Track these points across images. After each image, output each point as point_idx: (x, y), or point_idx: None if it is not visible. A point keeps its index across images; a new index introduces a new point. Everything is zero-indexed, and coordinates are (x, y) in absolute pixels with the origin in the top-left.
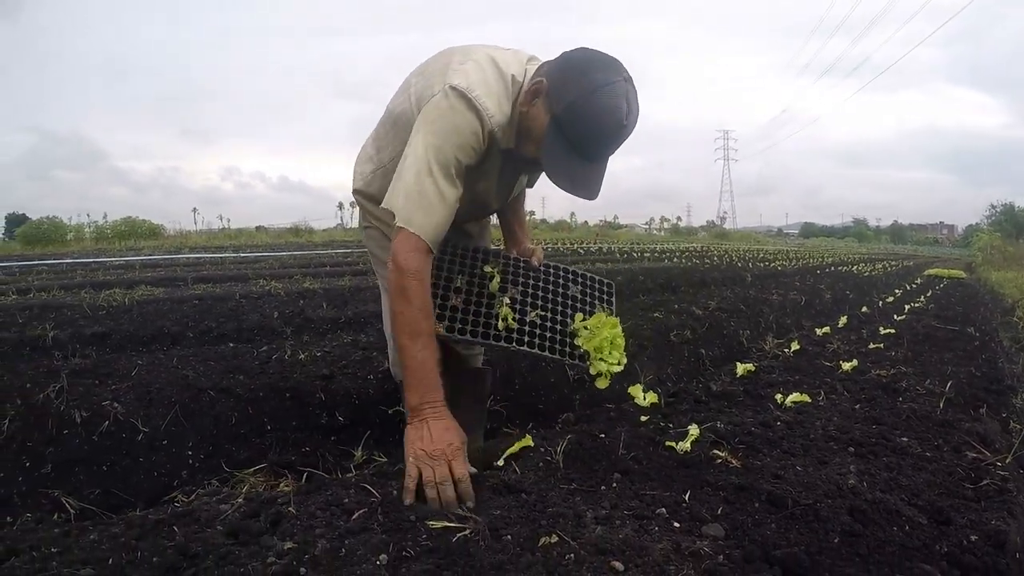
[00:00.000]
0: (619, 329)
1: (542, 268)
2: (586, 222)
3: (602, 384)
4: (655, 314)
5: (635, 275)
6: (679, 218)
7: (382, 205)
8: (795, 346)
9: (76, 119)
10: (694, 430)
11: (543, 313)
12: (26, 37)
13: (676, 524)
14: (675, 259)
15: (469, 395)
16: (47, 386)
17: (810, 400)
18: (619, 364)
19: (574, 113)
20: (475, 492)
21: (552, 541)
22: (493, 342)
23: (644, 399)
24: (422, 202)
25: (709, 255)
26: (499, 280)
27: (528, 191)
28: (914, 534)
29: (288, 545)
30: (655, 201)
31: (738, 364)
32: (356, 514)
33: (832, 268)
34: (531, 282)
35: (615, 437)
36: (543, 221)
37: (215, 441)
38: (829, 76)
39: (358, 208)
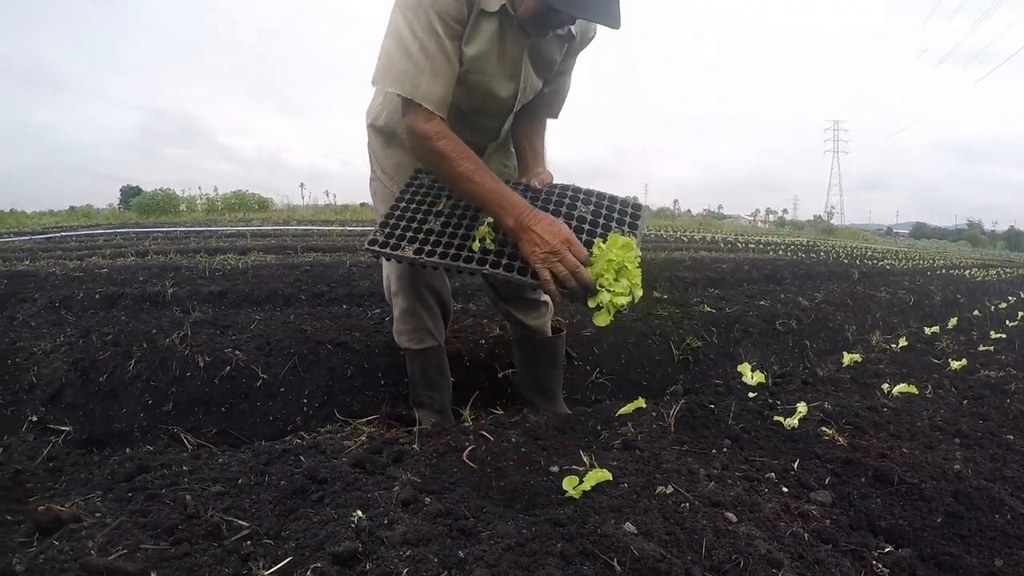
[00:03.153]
0: (633, 252)
1: (544, 188)
2: (689, 211)
3: (601, 320)
4: (761, 302)
5: (740, 264)
6: (785, 211)
7: (371, 82)
8: (903, 342)
9: (180, 97)
10: (802, 407)
11: None
12: (123, 19)
13: (784, 488)
14: (780, 251)
15: (544, 363)
16: (171, 333)
17: (916, 392)
18: (627, 294)
19: None
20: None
21: (668, 491)
22: (463, 264)
23: (751, 378)
24: (412, 64)
25: (815, 250)
26: None
27: (552, 122)
28: (1016, 523)
29: (412, 477)
30: (760, 191)
31: (845, 354)
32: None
33: (943, 271)
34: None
35: (724, 408)
36: (646, 208)
37: (330, 391)
38: (948, 63)
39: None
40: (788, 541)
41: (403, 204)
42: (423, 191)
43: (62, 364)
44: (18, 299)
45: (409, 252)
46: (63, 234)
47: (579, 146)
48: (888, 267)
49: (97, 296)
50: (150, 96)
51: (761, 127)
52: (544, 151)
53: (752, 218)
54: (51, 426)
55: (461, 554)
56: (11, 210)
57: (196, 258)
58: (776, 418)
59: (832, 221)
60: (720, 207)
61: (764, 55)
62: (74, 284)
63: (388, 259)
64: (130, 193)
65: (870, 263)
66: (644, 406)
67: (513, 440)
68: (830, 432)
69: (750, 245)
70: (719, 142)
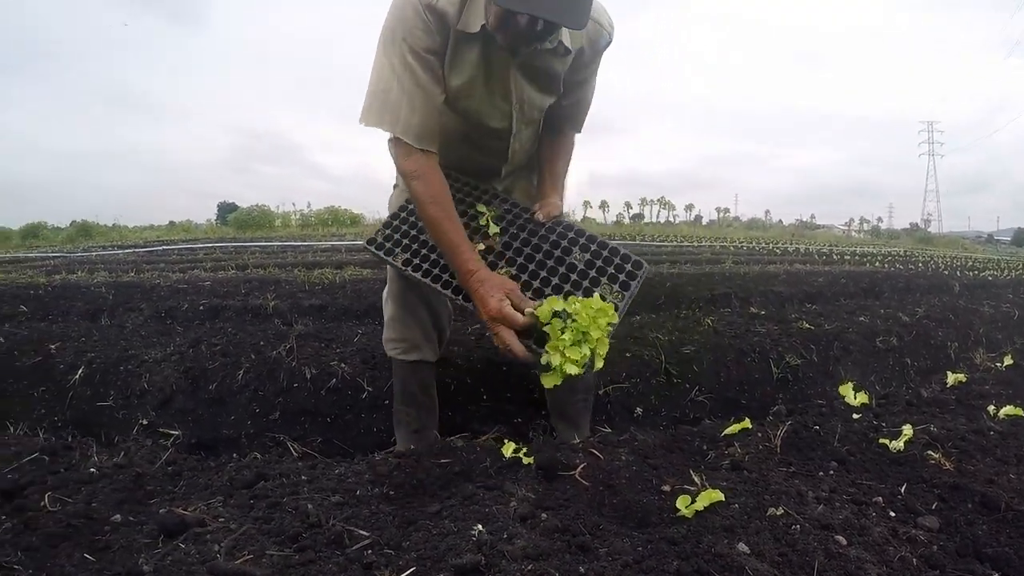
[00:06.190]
0: (606, 320)
1: (546, 225)
2: (780, 221)
3: (548, 382)
4: (860, 318)
5: (837, 278)
6: (879, 219)
7: (359, 121)
8: (1007, 360)
9: (270, 118)
10: (908, 430)
11: (514, 272)
12: (212, 45)
13: (892, 513)
14: (877, 263)
15: (563, 385)
16: (277, 345)
17: (1023, 415)
18: (581, 365)
19: None
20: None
21: (778, 513)
22: (441, 288)
23: (855, 398)
24: (391, 99)
25: (913, 260)
26: (488, 224)
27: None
28: None
29: (527, 493)
30: (854, 198)
31: (949, 373)
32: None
33: None
34: (523, 235)
35: (829, 430)
36: (736, 219)
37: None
38: None
39: None
40: (897, 566)
41: (404, 214)
42: None
43: (173, 372)
44: (125, 308)
45: (399, 261)
46: (164, 247)
47: (665, 156)
48: (990, 278)
49: (201, 307)
50: (242, 117)
51: (853, 132)
52: (565, 172)
53: (846, 228)
54: (161, 430)
55: (581, 569)
56: (114, 224)
57: (294, 272)
58: (882, 441)
59: (929, 229)
60: (812, 216)
61: (855, 58)
62: (179, 295)
63: (380, 260)
64: (227, 209)
65: (971, 274)
66: (750, 427)
67: (623, 458)
68: (936, 456)
69: (845, 257)
70: (810, 149)
